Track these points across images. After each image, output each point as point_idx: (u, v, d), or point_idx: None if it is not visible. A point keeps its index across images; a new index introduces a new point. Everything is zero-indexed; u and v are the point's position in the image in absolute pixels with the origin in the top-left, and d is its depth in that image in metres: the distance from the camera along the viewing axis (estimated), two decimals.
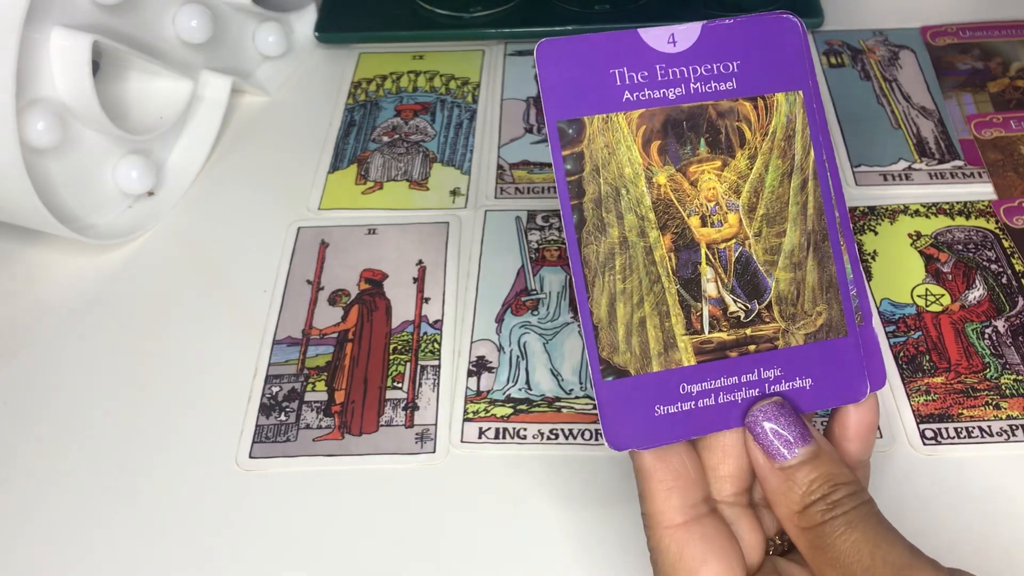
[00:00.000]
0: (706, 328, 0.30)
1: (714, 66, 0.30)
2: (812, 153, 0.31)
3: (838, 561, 0.27)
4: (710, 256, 0.30)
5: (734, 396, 0.30)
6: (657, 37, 0.30)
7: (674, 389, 0.30)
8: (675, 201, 0.30)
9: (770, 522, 0.31)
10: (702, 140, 0.30)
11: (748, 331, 0.30)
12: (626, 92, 0.30)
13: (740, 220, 0.30)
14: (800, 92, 0.31)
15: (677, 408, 0.29)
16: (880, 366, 0.31)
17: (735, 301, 0.30)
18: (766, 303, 0.30)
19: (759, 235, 0.30)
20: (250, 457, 0.40)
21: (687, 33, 0.30)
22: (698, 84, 0.30)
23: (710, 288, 0.30)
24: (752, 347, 0.30)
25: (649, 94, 0.30)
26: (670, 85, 0.30)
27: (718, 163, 0.30)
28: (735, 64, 0.30)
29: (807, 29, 0.58)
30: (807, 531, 0.28)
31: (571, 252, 0.29)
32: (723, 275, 0.30)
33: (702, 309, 0.30)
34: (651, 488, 0.29)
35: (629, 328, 0.30)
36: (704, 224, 0.30)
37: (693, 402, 0.30)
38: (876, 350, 0.31)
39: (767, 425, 0.29)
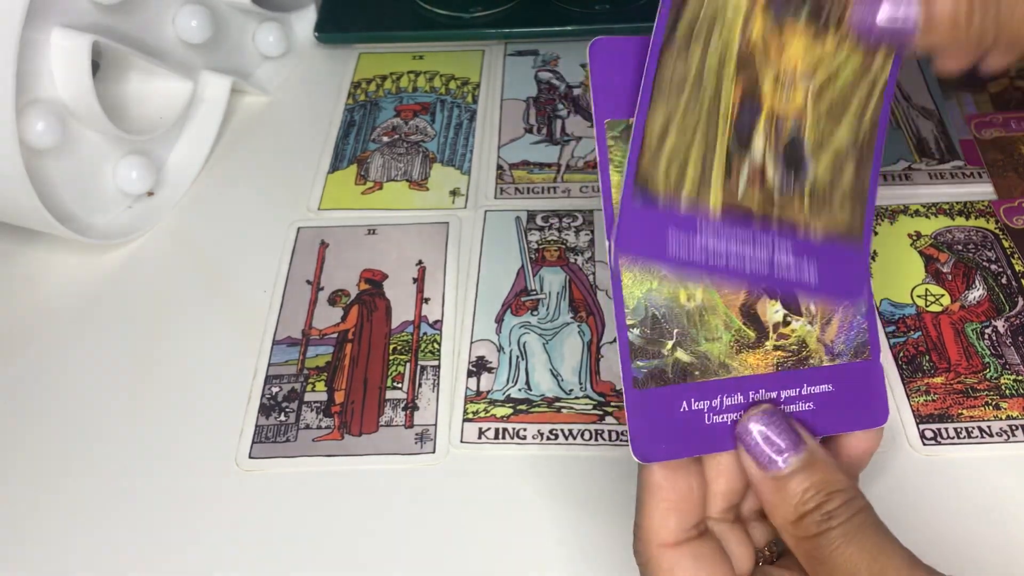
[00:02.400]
0: (742, 183, 0.29)
1: None
2: (890, 66, 0.30)
3: (835, 574, 0.26)
4: (767, 123, 0.30)
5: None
6: None
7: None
8: (757, 58, 0.29)
9: (759, 534, 0.31)
10: (807, 6, 0.29)
11: (775, 209, 0.30)
12: None
13: (806, 102, 0.30)
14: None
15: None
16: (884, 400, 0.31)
17: (775, 169, 0.30)
18: (801, 189, 0.30)
19: (816, 124, 0.30)
20: (250, 457, 0.40)
21: None
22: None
23: (758, 144, 0.30)
24: (774, 224, 0.30)
25: None
26: None
27: (810, 35, 0.30)
28: None
29: None
30: (803, 541, 0.27)
31: (650, 57, 0.29)
32: (773, 143, 0.30)
33: (747, 159, 0.29)
34: (651, 504, 0.29)
35: (672, 157, 0.29)
36: (775, 90, 0.30)
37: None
38: (881, 384, 0.31)
39: (757, 433, 0.29)
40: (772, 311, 0.30)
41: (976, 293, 0.43)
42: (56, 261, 0.49)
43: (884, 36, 0.29)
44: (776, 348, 0.30)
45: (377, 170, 0.52)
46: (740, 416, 0.29)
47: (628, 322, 0.29)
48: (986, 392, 0.40)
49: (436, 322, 0.44)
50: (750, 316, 0.30)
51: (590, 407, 0.40)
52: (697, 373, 0.29)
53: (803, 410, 0.30)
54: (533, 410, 0.40)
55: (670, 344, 0.29)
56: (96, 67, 0.48)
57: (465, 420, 0.40)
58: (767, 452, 0.28)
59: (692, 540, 0.29)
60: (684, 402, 0.29)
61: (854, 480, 0.31)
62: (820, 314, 0.30)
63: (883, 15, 0.29)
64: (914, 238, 0.46)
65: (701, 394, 0.29)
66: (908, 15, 0.28)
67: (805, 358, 0.30)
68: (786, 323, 0.30)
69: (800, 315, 0.30)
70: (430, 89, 0.57)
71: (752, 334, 0.30)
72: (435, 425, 0.40)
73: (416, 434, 0.40)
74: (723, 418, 0.29)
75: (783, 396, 0.30)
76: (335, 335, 0.44)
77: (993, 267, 0.44)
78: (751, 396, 0.30)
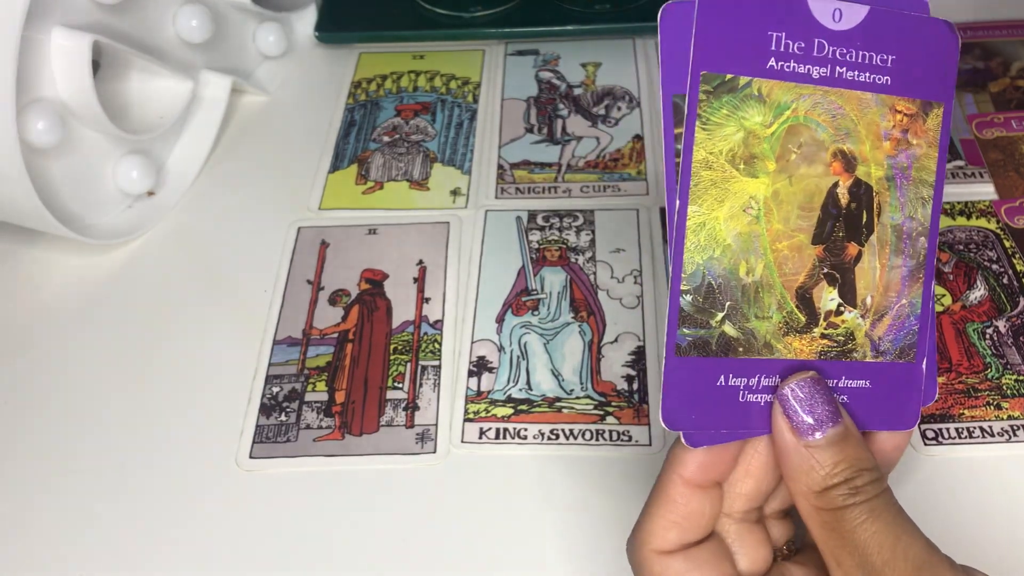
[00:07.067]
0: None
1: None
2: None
3: (857, 550, 0.26)
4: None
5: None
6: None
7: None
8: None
9: (778, 532, 0.31)
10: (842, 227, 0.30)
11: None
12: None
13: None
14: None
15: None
16: (933, 384, 0.31)
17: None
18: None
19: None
20: (250, 457, 0.39)
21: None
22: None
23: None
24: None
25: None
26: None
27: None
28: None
29: None
30: (823, 511, 0.27)
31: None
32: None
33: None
34: (658, 514, 0.29)
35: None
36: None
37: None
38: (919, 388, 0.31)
39: (799, 400, 0.28)
40: (828, 298, 0.30)
41: (977, 293, 0.43)
42: (56, 261, 0.49)
43: None
44: (823, 336, 0.30)
45: (378, 170, 0.52)
46: (775, 394, 0.29)
47: (683, 287, 0.28)
48: (987, 392, 0.40)
49: (437, 322, 0.44)
50: (804, 300, 0.29)
51: (591, 407, 0.40)
52: (741, 349, 0.29)
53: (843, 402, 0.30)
54: (534, 410, 0.40)
55: (720, 316, 0.29)
56: (96, 67, 0.48)
57: (466, 420, 0.40)
58: (806, 420, 0.28)
59: (690, 548, 0.29)
60: (722, 376, 0.29)
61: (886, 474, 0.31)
62: (875, 309, 0.30)
63: None
64: None
65: (740, 371, 0.29)
66: None
67: (849, 351, 0.30)
68: (838, 312, 0.30)
69: (854, 307, 0.30)
70: (430, 89, 0.57)
71: (802, 318, 0.29)
72: (436, 425, 0.40)
73: (417, 434, 0.40)
74: (757, 398, 0.29)
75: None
76: (336, 335, 0.44)
77: (994, 267, 0.44)
78: None
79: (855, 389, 0.30)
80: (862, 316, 0.30)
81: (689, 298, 0.28)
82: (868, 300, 0.30)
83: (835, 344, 0.30)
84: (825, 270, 0.30)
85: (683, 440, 0.28)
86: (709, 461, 0.29)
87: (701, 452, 0.28)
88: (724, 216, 0.28)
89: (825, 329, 0.30)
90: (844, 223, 0.30)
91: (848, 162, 0.29)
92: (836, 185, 0.29)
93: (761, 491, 0.30)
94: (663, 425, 0.28)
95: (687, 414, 0.28)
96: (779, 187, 0.29)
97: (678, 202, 0.28)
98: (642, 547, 0.29)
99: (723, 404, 0.29)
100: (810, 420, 0.28)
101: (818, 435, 0.28)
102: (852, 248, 0.30)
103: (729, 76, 0.28)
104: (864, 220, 0.30)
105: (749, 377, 0.29)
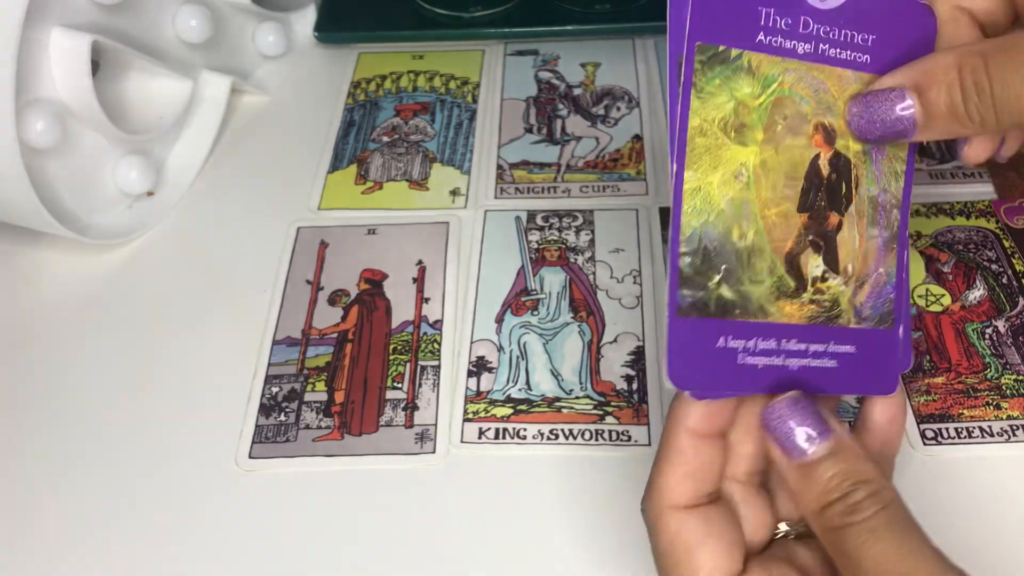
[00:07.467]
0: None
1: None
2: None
3: (860, 572, 0.26)
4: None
5: (772, 361, 0.30)
6: None
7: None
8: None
9: (791, 507, 0.31)
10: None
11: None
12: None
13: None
14: None
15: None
16: (907, 350, 0.32)
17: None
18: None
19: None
20: (250, 457, 0.40)
21: None
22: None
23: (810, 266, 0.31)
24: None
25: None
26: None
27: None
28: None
29: None
30: (828, 532, 0.27)
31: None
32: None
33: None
34: (670, 467, 0.29)
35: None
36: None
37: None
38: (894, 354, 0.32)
39: (782, 420, 0.28)
40: (813, 265, 0.31)
41: (977, 293, 0.43)
42: (56, 261, 0.49)
43: (886, 137, 0.30)
44: (811, 302, 0.30)
45: (377, 170, 0.52)
46: (770, 361, 0.29)
47: (681, 250, 0.29)
48: (987, 392, 0.40)
49: (436, 322, 0.44)
50: (793, 266, 0.30)
51: (590, 407, 0.40)
52: (737, 311, 0.29)
53: (826, 366, 0.30)
54: (533, 410, 0.40)
55: (716, 278, 0.29)
56: (96, 67, 0.48)
57: (465, 420, 0.40)
58: (793, 439, 0.28)
59: (703, 505, 0.29)
60: (721, 337, 0.29)
61: (888, 472, 0.30)
62: (856, 276, 0.31)
63: (881, 118, 0.30)
64: (914, 238, 0.46)
65: (738, 332, 0.29)
66: (905, 114, 0.29)
67: (835, 316, 0.31)
68: (824, 279, 0.31)
69: (837, 273, 0.31)
70: (430, 89, 0.57)
71: (792, 283, 0.30)
72: (435, 425, 0.40)
73: (416, 434, 0.40)
74: (754, 360, 0.29)
75: (811, 350, 0.30)
76: (335, 335, 0.44)
77: (994, 267, 0.44)
78: (783, 343, 0.30)
79: (843, 354, 0.31)
80: (845, 283, 0.31)
81: (688, 260, 0.29)
82: (849, 268, 0.31)
83: (823, 310, 0.31)
84: (810, 237, 0.31)
85: (689, 396, 0.29)
86: (712, 410, 0.29)
87: (703, 403, 0.29)
88: (718, 182, 0.29)
89: (813, 295, 0.31)
90: (826, 193, 0.31)
91: (829, 135, 0.30)
92: (818, 156, 0.30)
93: (762, 453, 0.30)
94: (669, 385, 0.28)
95: (691, 373, 0.29)
96: (767, 156, 0.30)
97: (675, 166, 0.29)
98: (658, 503, 0.29)
99: (723, 366, 0.29)
100: (796, 439, 0.28)
101: (808, 452, 0.28)
102: (834, 217, 0.31)
103: (722, 48, 0.29)
104: (843, 191, 0.31)
105: (747, 339, 0.29)
